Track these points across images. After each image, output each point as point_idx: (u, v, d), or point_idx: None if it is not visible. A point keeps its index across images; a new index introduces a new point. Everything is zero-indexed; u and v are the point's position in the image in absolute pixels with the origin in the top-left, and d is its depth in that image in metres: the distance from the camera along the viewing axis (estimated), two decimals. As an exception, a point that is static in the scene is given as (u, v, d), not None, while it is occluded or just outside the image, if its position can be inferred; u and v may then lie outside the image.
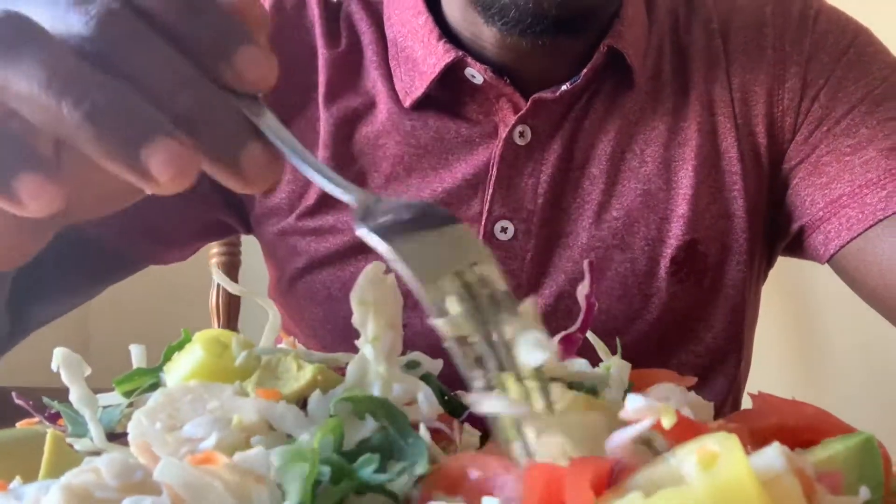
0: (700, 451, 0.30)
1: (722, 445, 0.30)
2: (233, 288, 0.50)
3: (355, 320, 0.38)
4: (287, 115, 0.82)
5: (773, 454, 0.31)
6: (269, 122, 0.37)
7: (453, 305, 0.38)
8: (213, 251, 1.28)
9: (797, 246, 0.84)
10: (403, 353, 0.52)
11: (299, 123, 0.82)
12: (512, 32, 0.73)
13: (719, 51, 0.82)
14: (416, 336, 0.80)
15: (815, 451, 0.38)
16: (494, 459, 0.35)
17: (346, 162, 0.81)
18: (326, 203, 0.81)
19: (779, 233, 0.85)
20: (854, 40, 0.81)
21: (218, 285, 1.29)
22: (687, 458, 0.31)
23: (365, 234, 0.37)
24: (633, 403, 0.33)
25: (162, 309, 1.86)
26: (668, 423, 0.32)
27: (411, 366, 0.51)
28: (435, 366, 0.52)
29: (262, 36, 0.38)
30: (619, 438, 0.33)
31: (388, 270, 0.41)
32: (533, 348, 0.37)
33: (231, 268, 1.28)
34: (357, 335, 0.84)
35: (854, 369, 1.63)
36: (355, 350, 0.79)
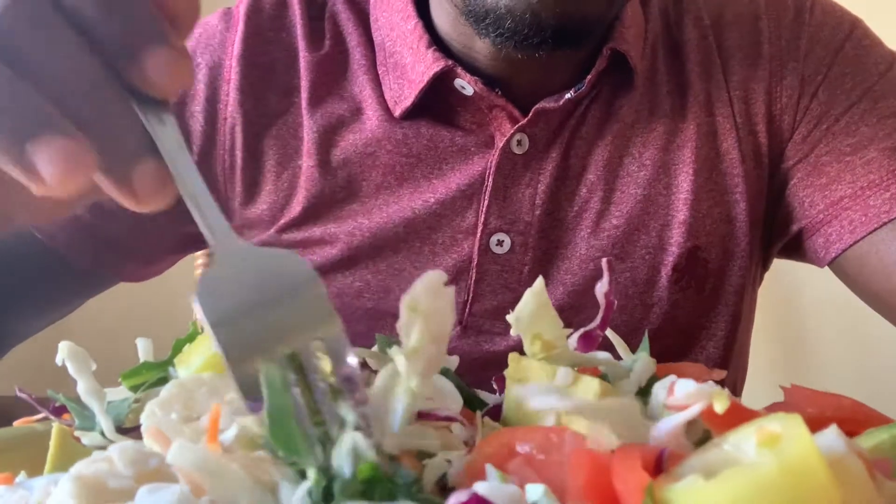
0: (760, 431, 0.29)
1: (784, 425, 0.29)
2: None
3: (400, 325, 0.36)
4: (267, 120, 0.79)
5: (833, 436, 0.30)
6: (169, 137, 0.34)
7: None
8: (198, 262, 1.26)
9: (795, 248, 0.82)
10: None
11: (281, 129, 0.79)
12: (506, 45, 0.69)
13: (713, 48, 0.80)
14: None
15: (860, 440, 0.37)
16: (543, 433, 0.33)
17: (333, 171, 0.77)
18: (313, 214, 0.78)
19: (777, 235, 0.83)
20: (851, 33, 0.79)
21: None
22: (745, 440, 0.29)
23: (194, 300, 0.34)
24: (683, 388, 0.31)
25: (145, 318, 1.83)
26: (721, 406, 0.31)
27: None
28: (451, 361, 0.51)
29: (182, 35, 0.36)
30: (668, 425, 0.32)
31: (449, 282, 0.37)
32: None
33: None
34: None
35: (841, 370, 1.62)
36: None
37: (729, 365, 0.84)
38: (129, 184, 0.33)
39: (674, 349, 0.81)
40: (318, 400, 0.34)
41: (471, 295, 0.77)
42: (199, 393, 0.38)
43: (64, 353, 0.42)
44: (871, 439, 0.36)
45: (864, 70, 0.78)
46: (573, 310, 0.77)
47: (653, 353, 0.80)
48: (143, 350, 0.45)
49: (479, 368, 0.70)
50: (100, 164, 0.32)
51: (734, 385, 0.88)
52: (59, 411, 0.43)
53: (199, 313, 0.33)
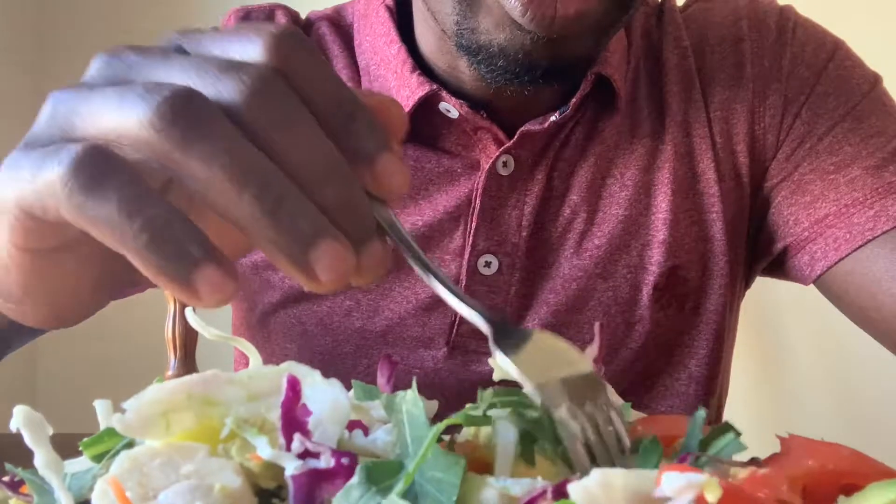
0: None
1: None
2: (209, 333, 0.46)
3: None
4: None
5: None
6: (398, 228, 0.38)
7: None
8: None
9: (779, 266, 0.82)
10: (394, 391, 0.49)
11: None
12: (497, 80, 0.69)
13: (692, 70, 0.80)
14: (399, 374, 0.78)
15: (864, 496, 0.35)
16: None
17: None
18: None
19: (760, 253, 0.83)
20: (833, 54, 0.80)
21: (174, 316, 1.24)
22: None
23: (503, 361, 0.39)
24: (671, 482, 0.29)
25: (116, 341, 1.80)
26: (713, 497, 0.29)
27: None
28: (431, 407, 0.48)
29: (399, 141, 0.39)
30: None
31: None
32: None
33: (186, 300, 1.23)
34: (332, 370, 0.81)
35: (818, 385, 1.63)
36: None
37: (713, 383, 0.83)
38: (358, 259, 0.35)
39: (656, 367, 0.81)
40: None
41: (458, 316, 0.77)
42: (153, 467, 0.36)
43: (19, 419, 0.40)
44: (876, 497, 0.35)
45: (847, 90, 0.78)
46: (556, 329, 0.77)
47: (636, 372, 0.80)
48: (103, 414, 0.42)
49: (466, 389, 0.69)
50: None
51: (718, 402, 0.88)
52: (18, 485, 0.41)
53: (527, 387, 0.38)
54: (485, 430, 0.40)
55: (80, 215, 0.33)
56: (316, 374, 0.39)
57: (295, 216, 0.33)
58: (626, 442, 0.39)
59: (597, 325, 0.51)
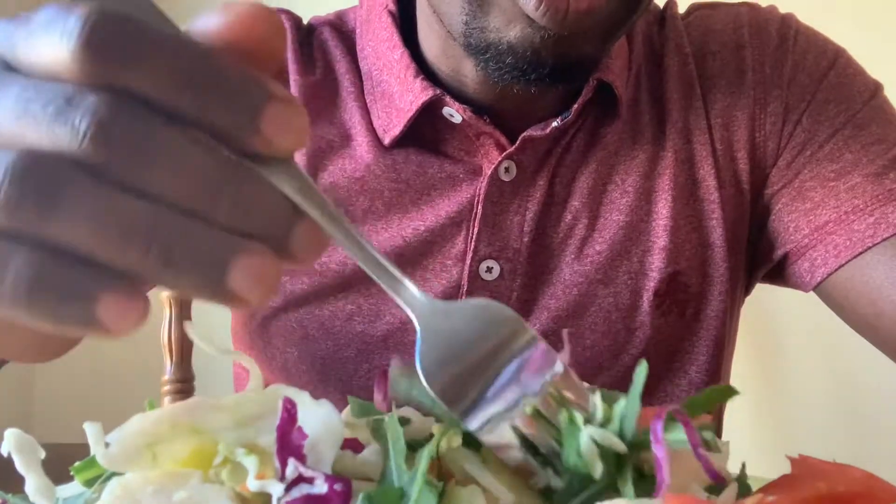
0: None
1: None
2: (209, 348, 0.46)
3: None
4: None
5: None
6: (307, 189, 0.33)
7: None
8: (163, 293, 1.23)
9: (779, 273, 0.82)
10: (390, 409, 0.49)
11: None
12: (504, 79, 0.69)
13: (693, 76, 0.80)
14: None
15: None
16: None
17: None
18: None
19: (760, 260, 0.83)
20: (834, 62, 0.80)
21: (169, 322, 1.23)
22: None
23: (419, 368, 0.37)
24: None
25: (112, 346, 1.79)
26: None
27: (401, 423, 0.46)
28: (428, 423, 0.48)
29: (276, 66, 0.33)
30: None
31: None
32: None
33: (184, 305, 1.23)
34: (333, 375, 0.81)
35: (817, 391, 1.63)
36: (330, 392, 0.75)
37: (713, 389, 0.83)
38: (288, 249, 0.32)
39: (657, 373, 0.81)
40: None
41: None
42: (146, 494, 0.35)
43: (10, 444, 0.39)
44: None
45: (848, 98, 0.78)
46: (556, 335, 0.77)
47: None
48: (94, 437, 0.41)
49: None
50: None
51: (719, 408, 0.88)
52: (8, 511, 0.40)
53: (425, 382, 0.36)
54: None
55: None
56: (305, 396, 0.38)
57: (193, 254, 0.30)
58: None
59: (564, 333, 0.49)
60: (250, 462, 0.36)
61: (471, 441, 0.40)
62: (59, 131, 0.29)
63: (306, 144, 0.30)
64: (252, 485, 0.34)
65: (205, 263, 0.30)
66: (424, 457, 0.36)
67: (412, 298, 0.38)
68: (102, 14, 0.29)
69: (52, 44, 0.29)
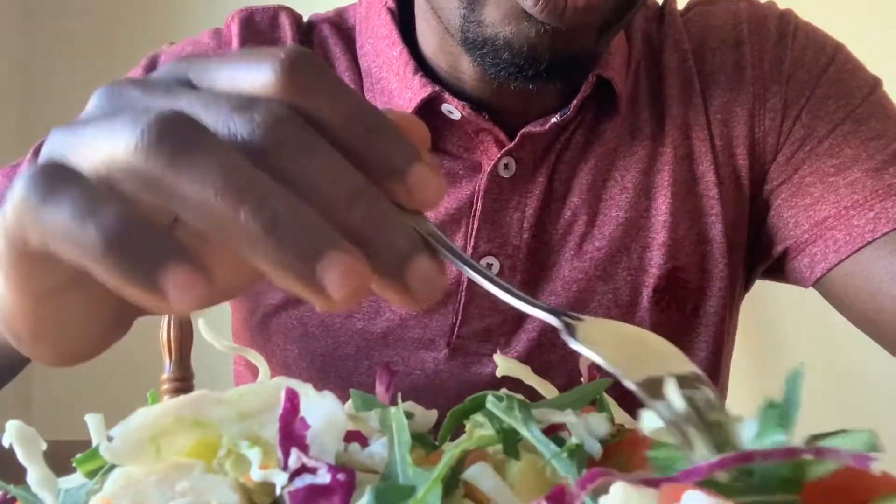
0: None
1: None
2: (220, 344, 0.46)
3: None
4: None
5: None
6: (438, 237, 0.36)
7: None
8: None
9: (779, 269, 0.82)
10: (394, 400, 0.49)
11: None
12: (500, 75, 0.68)
13: (692, 72, 0.80)
14: (399, 375, 0.77)
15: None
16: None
17: None
18: None
19: (760, 256, 0.83)
20: (833, 58, 0.80)
21: (169, 320, 1.23)
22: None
23: (585, 350, 0.36)
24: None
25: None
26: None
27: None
28: (429, 417, 0.48)
29: (426, 154, 0.36)
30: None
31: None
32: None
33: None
34: (333, 372, 0.81)
35: (817, 387, 1.63)
36: (330, 389, 0.74)
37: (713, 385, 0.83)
38: (404, 281, 0.33)
39: None
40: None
41: (459, 317, 0.77)
42: (148, 485, 0.35)
43: (12, 435, 0.39)
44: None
45: (847, 93, 0.78)
46: (555, 332, 0.76)
47: None
48: (95, 428, 0.41)
49: (467, 391, 0.68)
50: (379, 270, 0.33)
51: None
52: (10, 502, 0.40)
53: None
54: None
55: (37, 229, 0.32)
56: (308, 388, 0.38)
57: (298, 229, 0.31)
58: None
59: (585, 368, 0.51)
60: (254, 454, 0.36)
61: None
62: (240, 120, 0.32)
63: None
64: (255, 475, 0.34)
65: (304, 244, 0.31)
66: (445, 460, 0.35)
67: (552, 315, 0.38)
68: (304, 52, 0.35)
69: (256, 68, 0.34)
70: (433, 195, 0.34)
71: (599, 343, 0.36)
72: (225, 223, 0.31)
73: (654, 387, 0.34)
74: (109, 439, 0.36)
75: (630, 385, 0.34)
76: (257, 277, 0.35)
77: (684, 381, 0.35)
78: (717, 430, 0.33)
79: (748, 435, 0.33)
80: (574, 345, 0.36)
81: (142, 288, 0.30)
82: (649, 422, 0.35)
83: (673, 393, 0.34)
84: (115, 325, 0.39)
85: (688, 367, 0.37)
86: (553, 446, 0.38)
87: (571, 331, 0.37)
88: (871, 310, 0.74)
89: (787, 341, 1.66)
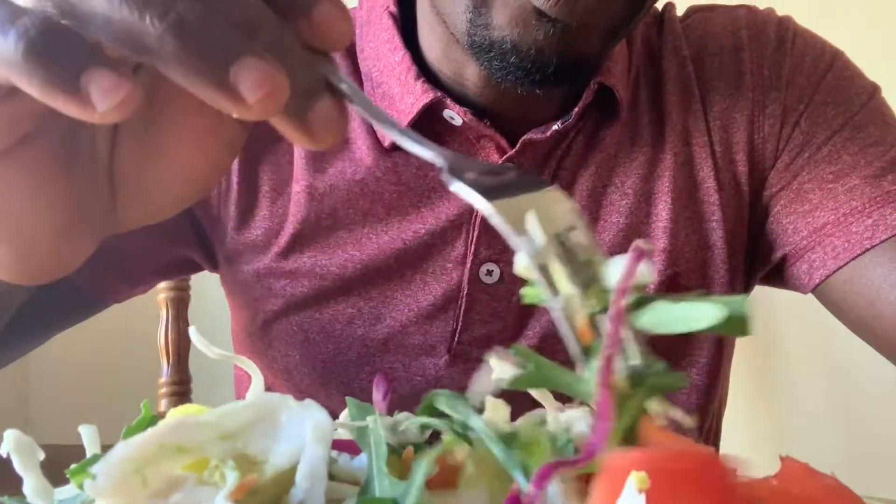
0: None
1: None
2: (212, 352, 0.46)
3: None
4: (262, 145, 0.78)
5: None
6: (343, 79, 0.35)
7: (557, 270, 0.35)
8: (161, 286, 1.23)
9: (778, 275, 0.82)
10: (391, 410, 0.48)
11: (276, 154, 0.78)
12: (507, 79, 0.68)
13: (691, 78, 0.80)
14: (400, 382, 0.77)
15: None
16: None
17: (319, 197, 0.77)
18: (300, 242, 0.77)
19: (759, 262, 0.82)
20: (832, 64, 0.80)
21: (167, 324, 1.23)
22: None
23: (461, 188, 0.35)
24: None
25: (108, 348, 1.79)
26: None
27: (395, 427, 0.46)
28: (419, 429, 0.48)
29: None
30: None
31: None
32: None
33: (180, 306, 1.22)
34: (334, 378, 0.80)
35: (816, 394, 1.63)
36: (331, 395, 0.75)
37: (712, 391, 0.83)
38: (306, 120, 0.34)
39: None
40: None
41: (460, 324, 0.77)
42: (141, 497, 0.35)
43: (10, 444, 0.39)
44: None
45: (846, 100, 0.78)
46: (557, 337, 0.76)
47: None
48: (89, 440, 0.41)
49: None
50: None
51: (717, 411, 0.88)
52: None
53: (484, 207, 0.34)
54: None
55: None
56: (289, 400, 0.38)
57: (206, 33, 0.31)
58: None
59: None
60: (231, 476, 0.35)
61: None
62: None
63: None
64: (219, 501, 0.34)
65: (216, 48, 0.31)
66: (421, 468, 0.36)
67: (443, 154, 0.38)
68: None
69: None
70: (340, 32, 0.35)
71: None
72: (133, 34, 0.31)
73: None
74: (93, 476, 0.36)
75: (495, 220, 0.34)
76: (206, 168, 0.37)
77: (556, 215, 0.35)
78: (584, 268, 0.34)
79: (613, 274, 0.34)
80: (452, 185, 0.36)
81: (63, 92, 0.31)
82: (520, 260, 0.35)
83: (533, 226, 0.34)
84: (68, 224, 0.38)
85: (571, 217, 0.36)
86: (490, 434, 0.39)
87: (453, 173, 0.36)
88: (869, 316, 0.74)
89: (786, 347, 1.66)
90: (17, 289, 0.61)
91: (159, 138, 0.39)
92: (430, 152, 0.37)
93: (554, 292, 0.34)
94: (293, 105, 0.33)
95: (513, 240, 0.34)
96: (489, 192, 0.35)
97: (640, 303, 0.34)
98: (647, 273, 0.34)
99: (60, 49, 0.31)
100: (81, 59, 0.31)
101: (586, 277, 0.34)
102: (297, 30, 0.34)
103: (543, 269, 0.34)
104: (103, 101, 0.30)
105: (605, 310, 0.34)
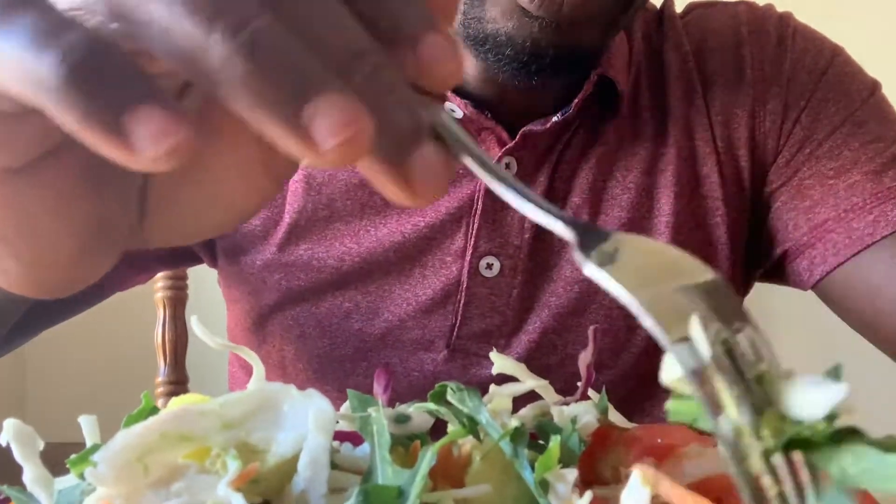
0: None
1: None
2: (213, 342, 0.45)
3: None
4: None
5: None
6: (453, 127, 0.29)
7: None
8: (158, 285, 1.22)
9: (778, 271, 0.81)
10: (392, 404, 0.48)
11: None
12: (504, 71, 0.68)
13: (693, 74, 0.80)
14: (398, 377, 0.77)
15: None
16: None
17: (317, 187, 0.76)
18: (297, 233, 0.77)
19: (759, 258, 0.82)
20: (832, 60, 0.80)
21: (164, 322, 1.23)
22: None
23: (596, 272, 0.28)
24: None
25: (105, 347, 1.78)
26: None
27: (400, 420, 0.46)
28: (425, 421, 0.48)
29: (448, 26, 0.30)
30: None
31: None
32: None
33: (178, 305, 1.22)
34: (330, 373, 0.80)
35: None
36: (327, 391, 0.74)
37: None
38: (405, 170, 0.28)
39: (657, 372, 0.79)
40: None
41: (459, 318, 0.77)
42: (143, 485, 0.35)
43: (9, 433, 0.39)
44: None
45: (846, 96, 0.78)
46: (557, 332, 0.77)
47: (637, 377, 0.79)
48: (88, 429, 0.41)
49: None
50: (376, 145, 0.27)
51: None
52: (3, 503, 0.40)
53: (626, 298, 0.27)
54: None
55: None
56: (291, 389, 0.38)
57: (283, 62, 0.26)
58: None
59: (591, 330, 0.50)
60: (233, 466, 0.35)
61: None
62: None
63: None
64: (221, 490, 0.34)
65: (291, 78, 0.26)
66: (427, 457, 0.35)
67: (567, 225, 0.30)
68: None
69: None
70: (450, 72, 0.29)
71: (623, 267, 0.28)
72: (196, 51, 0.26)
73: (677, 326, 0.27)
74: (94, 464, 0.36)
75: (647, 322, 0.27)
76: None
77: (720, 309, 0.28)
78: (757, 385, 0.26)
79: (796, 402, 0.26)
80: (587, 268, 0.28)
81: (103, 129, 0.25)
82: (668, 370, 0.28)
83: (697, 333, 0.27)
84: (91, 243, 0.34)
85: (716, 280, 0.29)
86: (498, 429, 0.38)
87: (586, 249, 0.29)
88: (869, 313, 0.74)
89: (784, 344, 1.66)
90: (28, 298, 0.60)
91: (202, 164, 0.34)
92: (559, 223, 0.29)
93: (716, 414, 0.26)
94: (390, 147, 0.27)
95: (665, 344, 0.27)
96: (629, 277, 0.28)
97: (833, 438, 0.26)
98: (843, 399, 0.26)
99: (108, 77, 0.25)
100: (131, 91, 0.25)
101: (759, 399, 0.26)
102: (401, 65, 0.28)
103: (704, 383, 0.26)
104: (151, 146, 0.25)
105: (787, 445, 0.25)
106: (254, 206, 0.36)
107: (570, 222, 0.29)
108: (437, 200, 0.29)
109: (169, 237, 0.37)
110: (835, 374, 0.27)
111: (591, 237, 0.29)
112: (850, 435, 0.25)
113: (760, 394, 0.26)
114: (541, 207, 0.30)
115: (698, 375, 0.26)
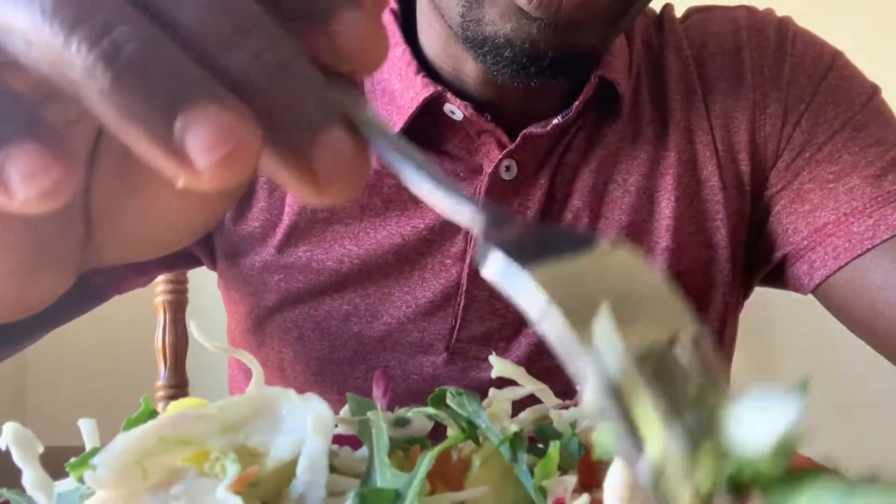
0: None
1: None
2: (211, 345, 0.45)
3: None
4: None
5: None
6: (367, 114, 0.25)
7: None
8: (158, 289, 1.22)
9: (778, 275, 0.81)
10: (391, 407, 0.48)
11: None
12: (503, 73, 0.68)
13: (693, 78, 0.80)
14: (397, 380, 0.77)
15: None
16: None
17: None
18: (296, 235, 0.76)
19: (759, 262, 0.82)
20: (832, 65, 0.80)
21: (164, 325, 1.23)
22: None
23: (497, 271, 0.25)
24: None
25: (105, 351, 1.78)
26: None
27: (400, 423, 0.46)
28: (424, 425, 0.48)
29: (371, 3, 0.26)
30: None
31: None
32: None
33: (178, 309, 1.22)
34: (329, 376, 0.80)
35: (815, 395, 1.63)
36: (325, 394, 0.74)
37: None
38: (309, 162, 0.24)
39: None
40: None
41: (458, 321, 0.77)
42: (142, 489, 0.35)
43: (9, 436, 0.39)
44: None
45: (846, 100, 0.78)
46: None
47: None
48: (88, 433, 0.41)
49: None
50: (270, 138, 0.23)
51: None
52: (3, 506, 0.40)
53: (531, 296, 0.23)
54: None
55: None
56: (290, 393, 0.38)
57: (154, 68, 0.22)
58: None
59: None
60: (231, 469, 0.35)
61: None
62: None
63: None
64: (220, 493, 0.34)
65: (161, 87, 0.23)
66: (425, 461, 0.35)
67: (477, 214, 0.26)
68: None
69: None
70: (368, 52, 0.26)
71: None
72: (58, 59, 0.23)
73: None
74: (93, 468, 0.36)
75: (549, 328, 0.23)
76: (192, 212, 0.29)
77: (659, 312, 0.23)
78: (696, 408, 0.21)
79: (746, 426, 0.20)
80: (486, 263, 0.25)
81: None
82: (588, 392, 0.22)
83: (605, 339, 0.21)
84: (32, 263, 0.31)
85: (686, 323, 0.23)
86: (497, 433, 0.38)
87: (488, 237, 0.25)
88: (869, 317, 0.74)
89: (784, 348, 1.66)
90: None
91: (136, 175, 0.31)
92: (466, 207, 0.26)
93: (637, 445, 0.20)
94: (289, 136, 0.24)
95: (574, 359, 0.22)
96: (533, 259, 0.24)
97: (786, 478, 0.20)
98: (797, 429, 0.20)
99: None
100: (7, 130, 0.23)
101: (697, 425, 0.20)
102: (311, 45, 0.25)
103: (621, 404, 0.21)
104: (27, 188, 0.23)
105: (733, 487, 0.20)
106: (199, 224, 0.34)
107: (480, 210, 0.26)
108: (351, 196, 0.24)
109: (121, 253, 0.35)
110: (800, 388, 0.20)
111: (502, 227, 0.25)
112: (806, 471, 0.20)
113: (699, 419, 0.20)
114: (450, 192, 0.26)
115: (612, 393, 0.21)
